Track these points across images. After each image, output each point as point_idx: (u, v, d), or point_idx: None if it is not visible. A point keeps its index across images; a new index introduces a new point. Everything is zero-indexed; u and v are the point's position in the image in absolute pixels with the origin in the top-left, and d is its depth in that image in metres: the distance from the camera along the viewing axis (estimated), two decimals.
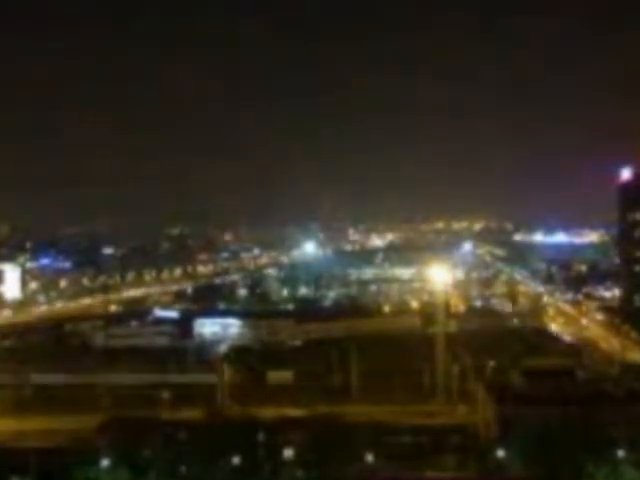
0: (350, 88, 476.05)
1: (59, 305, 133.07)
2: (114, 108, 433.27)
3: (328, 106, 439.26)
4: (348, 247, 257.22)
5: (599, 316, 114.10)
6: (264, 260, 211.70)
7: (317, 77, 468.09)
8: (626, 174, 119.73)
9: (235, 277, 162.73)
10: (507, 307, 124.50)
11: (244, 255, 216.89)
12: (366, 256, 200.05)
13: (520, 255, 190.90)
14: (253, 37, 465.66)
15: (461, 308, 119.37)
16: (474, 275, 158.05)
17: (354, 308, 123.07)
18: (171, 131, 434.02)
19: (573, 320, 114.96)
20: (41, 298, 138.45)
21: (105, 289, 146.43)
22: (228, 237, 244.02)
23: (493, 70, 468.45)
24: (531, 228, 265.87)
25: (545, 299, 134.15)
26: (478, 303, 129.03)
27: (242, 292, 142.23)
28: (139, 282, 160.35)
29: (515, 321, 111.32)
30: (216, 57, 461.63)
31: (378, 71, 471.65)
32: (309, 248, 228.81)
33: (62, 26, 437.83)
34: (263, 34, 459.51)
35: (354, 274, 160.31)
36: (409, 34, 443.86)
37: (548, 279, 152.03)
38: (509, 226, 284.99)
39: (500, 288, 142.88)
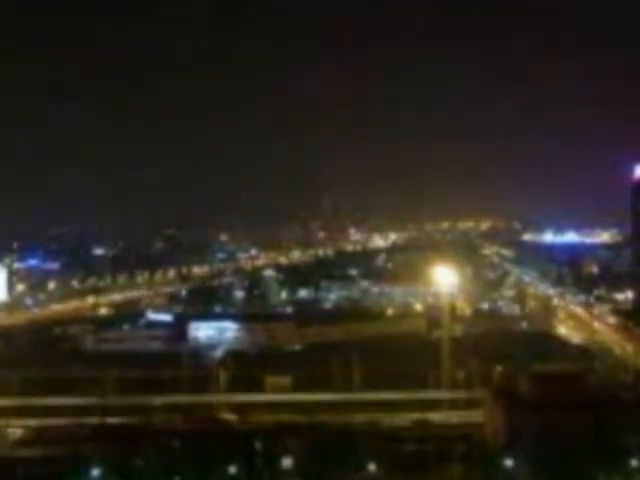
0: (351, 86, 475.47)
1: (47, 307, 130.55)
2: (111, 105, 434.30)
3: (328, 105, 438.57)
4: (349, 247, 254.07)
5: (611, 319, 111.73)
6: (262, 261, 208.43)
7: (317, 78, 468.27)
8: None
9: (231, 278, 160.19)
10: (515, 310, 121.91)
11: (241, 256, 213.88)
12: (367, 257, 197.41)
13: (529, 256, 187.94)
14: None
15: (467, 311, 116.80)
16: (481, 276, 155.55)
17: (356, 311, 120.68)
18: (169, 128, 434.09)
19: (584, 323, 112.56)
20: (29, 300, 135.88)
21: (95, 291, 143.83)
22: (224, 237, 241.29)
23: (502, 66, 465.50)
24: (540, 228, 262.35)
25: (555, 301, 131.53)
26: (485, 306, 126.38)
27: (239, 294, 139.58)
28: (131, 284, 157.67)
29: (524, 324, 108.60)
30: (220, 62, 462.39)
31: (379, 68, 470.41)
32: (308, 248, 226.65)
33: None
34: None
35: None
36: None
37: (558, 281, 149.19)
38: (517, 226, 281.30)
39: (508, 290, 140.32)
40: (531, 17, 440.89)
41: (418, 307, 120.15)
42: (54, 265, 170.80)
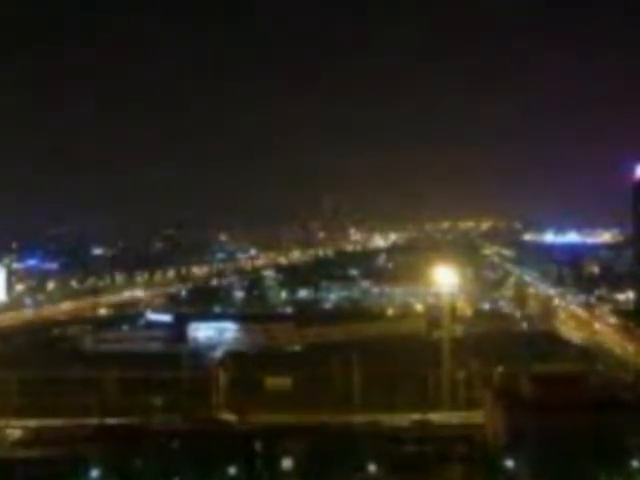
0: (350, 86, 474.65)
1: (46, 308, 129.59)
2: (109, 105, 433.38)
3: (328, 104, 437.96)
4: (349, 247, 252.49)
5: (612, 320, 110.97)
6: (261, 261, 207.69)
7: (317, 79, 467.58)
8: None
9: (231, 279, 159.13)
10: (516, 310, 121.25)
11: (241, 256, 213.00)
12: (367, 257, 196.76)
13: (529, 256, 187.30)
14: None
15: (468, 311, 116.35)
16: (481, 277, 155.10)
17: (356, 311, 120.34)
18: (169, 128, 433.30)
19: (585, 324, 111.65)
20: (28, 300, 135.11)
21: (94, 291, 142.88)
22: (224, 237, 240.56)
23: (502, 66, 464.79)
24: (541, 228, 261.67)
25: (556, 302, 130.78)
26: (486, 306, 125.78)
27: (239, 294, 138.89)
28: (130, 284, 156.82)
29: (524, 325, 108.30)
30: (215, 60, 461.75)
31: (379, 70, 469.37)
32: (308, 248, 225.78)
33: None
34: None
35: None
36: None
37: (559, 281, 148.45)
38: (518, 226, 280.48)
39: (509, 290, 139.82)
40: (531, 17, 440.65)
41: (418, 307, 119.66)
42: (53, 265, 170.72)
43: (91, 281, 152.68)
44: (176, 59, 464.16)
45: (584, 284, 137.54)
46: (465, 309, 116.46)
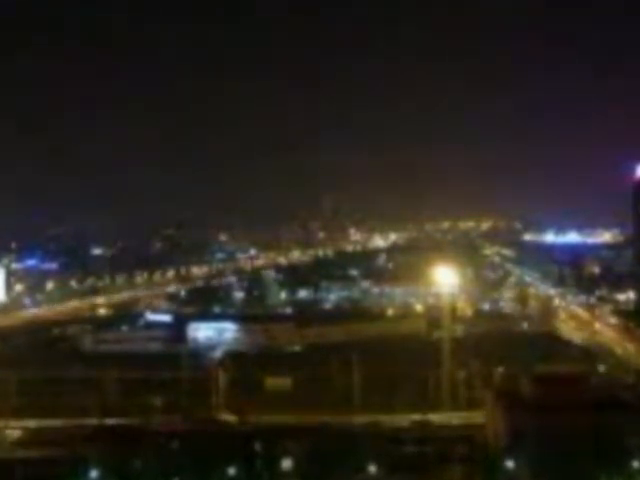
0: (350, 86, 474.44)
1: (46, 308, 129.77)
2: (109, 105, 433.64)
3: (328, 104, 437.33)
4: (349, 247, 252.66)
5: (613, 320, 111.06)
6: (261, 261, 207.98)
7: (317, 79, 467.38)
8: None
9: (231, 279, 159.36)
10: (516, 310, 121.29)
11: (240, 256, 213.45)
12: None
13: (530, 256, 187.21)
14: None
15: (468, 311, 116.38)
16: (482, 277, 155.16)
17: (356, 311, 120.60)
18: (169, 128, 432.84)
19: (586, 324, 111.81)
20: (27, 301, 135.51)
21: (94, 291, 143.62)
22: (224, 237, 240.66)
23: (502, 66, 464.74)
24: (541, 228, 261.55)
25: (556, 302, 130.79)
26: (486, 306, 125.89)
27: (238, 295, 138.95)
28: (130, 284, 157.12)
29: (525, 325, 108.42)
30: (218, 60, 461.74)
31: (379, 70, 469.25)
32: (308, 248, 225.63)
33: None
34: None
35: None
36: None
37: (559, 281, 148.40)
38: (518, 225, 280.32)
39: (509, 290, 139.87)
40: (531, 17, 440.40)
41: (419, 307, 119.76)
42: (52, 265, 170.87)
43: (91, 281, 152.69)
44: (176, 59, 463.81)
45: (584, 284, 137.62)
46: (465, 309, 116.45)
